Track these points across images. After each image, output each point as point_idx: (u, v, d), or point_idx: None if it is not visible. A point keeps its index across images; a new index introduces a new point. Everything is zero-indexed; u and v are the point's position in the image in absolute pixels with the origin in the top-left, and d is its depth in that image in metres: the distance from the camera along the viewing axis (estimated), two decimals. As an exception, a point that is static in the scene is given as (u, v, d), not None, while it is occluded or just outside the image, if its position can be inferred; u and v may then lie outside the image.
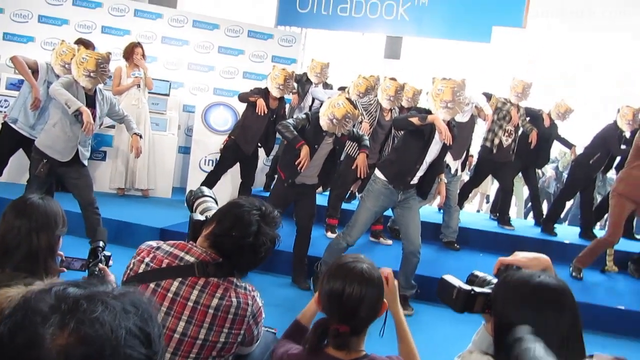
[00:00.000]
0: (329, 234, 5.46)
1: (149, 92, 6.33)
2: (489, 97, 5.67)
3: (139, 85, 6.08)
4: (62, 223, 2.06)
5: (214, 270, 1.70)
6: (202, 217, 1.95)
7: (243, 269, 1.80)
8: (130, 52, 6.09)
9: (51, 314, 0.72)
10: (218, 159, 5.78)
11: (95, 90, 4.24)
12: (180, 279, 1.68)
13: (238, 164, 5.72)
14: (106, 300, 0.75)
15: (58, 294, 0.75)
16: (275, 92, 5.39)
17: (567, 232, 6.48)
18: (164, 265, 1.70)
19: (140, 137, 4.53)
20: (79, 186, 4.24)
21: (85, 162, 4.30)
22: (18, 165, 5.55)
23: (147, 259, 1.72)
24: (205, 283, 1.69)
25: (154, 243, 1.78)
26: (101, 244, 2.28)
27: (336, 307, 1.63)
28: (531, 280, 1.38)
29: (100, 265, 2.23)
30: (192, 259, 1.71)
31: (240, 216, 1.74)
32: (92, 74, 4.12)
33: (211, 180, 5.52)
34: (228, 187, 6.10)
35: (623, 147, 5.84)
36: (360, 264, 1.68)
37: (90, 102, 4.17)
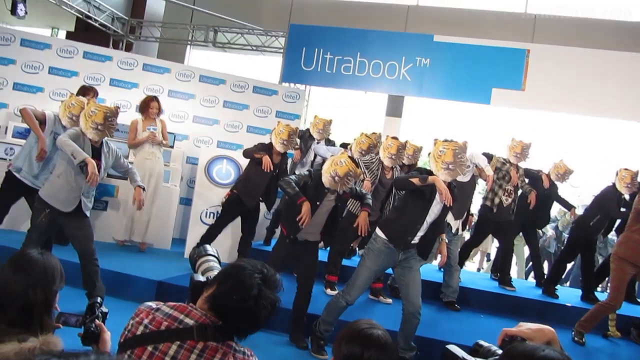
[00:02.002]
0: (329, 291, 5.41)
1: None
2: (489, 157, 5.73)
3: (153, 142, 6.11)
4: (60, 278, 2.05)
5: (213, 334, 1.68)
6: (202, 278, 1.94)
7: (242, 333, 1.78)
8: (146, 106, 6.15)
9: None
10: (220, 212, 5.79)
11: (102, 143, 4.31)
12: (178, 342, 1.65)
13: (239, 217, 5.73)
14: None
15: None
16: (279, 147, 5.47)
17: (568, 294, 6.42)
18: (162, 327, 1.68)
19: (144, 189, 4.56)
20: (80, 237, 4.25)
21: (88, 213, 4.31)
22: (18, 213, 5.55)
23: (145, 321, 1.70)
24: (204, 347, 1.66)
25: (153, 304, 1.76)
26: (99, 299, 2.26)
27: None
28: (535, 355, 1.36)
29: (97, 321, 2.20)
30: (191, 322, 1.69)
31: (241, 279, 1.73)
32: (99, 127, 4.19)
33: (212, 233, 5.52)
34: (228, 241, 6.09)
35: (623, 209, 5.86)
36: (376, 330, 1.76)
37: (96, 153, 4.23)
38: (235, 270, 1.78)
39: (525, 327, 1.58)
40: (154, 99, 6.23)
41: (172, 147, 6.83)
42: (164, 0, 12.21)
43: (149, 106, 6.12)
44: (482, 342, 1.64)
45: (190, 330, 1.67)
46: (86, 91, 5.85)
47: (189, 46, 12.06)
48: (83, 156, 4.02)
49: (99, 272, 4.30)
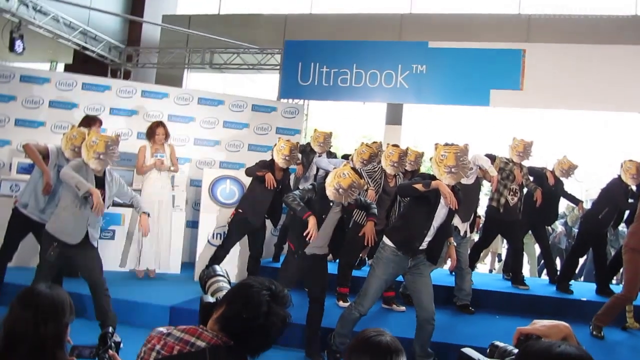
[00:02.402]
0: (341, 303, 5.39)
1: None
2: (492, 158, 5.73)
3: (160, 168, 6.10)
4: (69, 311, 2.05)
5: (226, 355, 1.68)
6: (212, 299, 1.94)
7: (255, 352, 1.77)
8: (152, 132, 6.14)
9: None
10: (226, 233, 5.80)
11: (105, 172, 4.34)
12: None
13: (246, 236, 5.73)
14: None
15: None
16: (281, 163, 5.49)
17: (583, 289, 6.35)
18: (175, 352, 1.67)
19: (149, 215, 4.58)
20: (89, 268, 4.26)
21: (95, 243, 4.33)
22: (27, 249, 5.52)
23: (157, 347, 1.69)
24: None
25: (164, 329, 1.76)
26: (110, 329, 2.26)
27: None
28: (551, 351, 1.34)
29: (110, 352, 2.20)
30: (203, 344, 1.68)
31: (250, 297, 1.73)
32: (101, 156, 4.23)
33: (220, 254, 5.53)
34: (237, 260, 6.09)
35: (630, 200, 5.83)
36: (384, 337, 1.74)
37: (100, 183, 4.26)
38: (243, 288, 1.78)
39: (540, 324, 1.57)
40: (160, 124, 6.21)
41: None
42: (159, 26, 12.33)
43: (155, 132, 6.11)
44: (497, 343, 1.63)
45: (202, 352, 1.66)
46: (90, 121, 5.77)
47: (186, 70, 12.15)
48: (87, 187, 4.04)
49: (110, 302, 4.30)
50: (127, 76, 11.07)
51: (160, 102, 7.80)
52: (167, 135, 6.20)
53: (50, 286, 2.11)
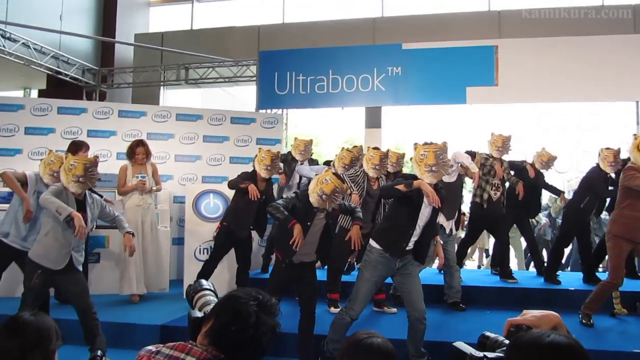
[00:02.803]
0: (332, 309, 5.38)
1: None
2: (473, 155, 5.78)
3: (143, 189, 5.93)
4: (56, 337, 2.01)
5: None
6: (199, 314, 1.92)
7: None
8: (132, 152, 5.99)
9: None
10: (213, 247, 5.77)
11: (85, 194, 4.29)
12: None
13: (233, 249, 5.70)
14: None
15: None
16: (263, 174, 5.48)
17: (570, 279, 6.43)
18: None
19: (133, 235, 4.53)
20: (75, 293, 4.20)
21: (80, 267, 4.27)
22: (11, 279, 5.45)
23: None
24: None
25: (153, 348, 1.74)
26: (99, 352, 2.23)
27: None
28: (541, 341, 1.35)
29: (101, 374, 2.17)
30: None
31: (238, 309, 1.72)
32: (81, 179, 4.18)
33: (208, 269, 5.49)
34: (226, 274, 6.05)
35: (610, 188, 5.91)
36: (375, 339, 1.74)
37: (81, 206, 4.21)
38: (230, 300, 1.77)
39: (530, 314, 1.58)
40: (140, 143, 6.05)
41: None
42: (132, 45, 12.29)
43: (135, 152, 5.97)
44: (488, 334, 1.63)
45: None
46: (78, 147, 5.67)
47: (162, 87, 12.10)
48: (68, 211, 4.00)
49: (99, 326, 4.23)
50: (102, 97, 11.01)
51: (138, 121, 7.76)
52: (148, 154, 6.05)
53: (35, 313, 2.07)
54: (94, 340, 4.15)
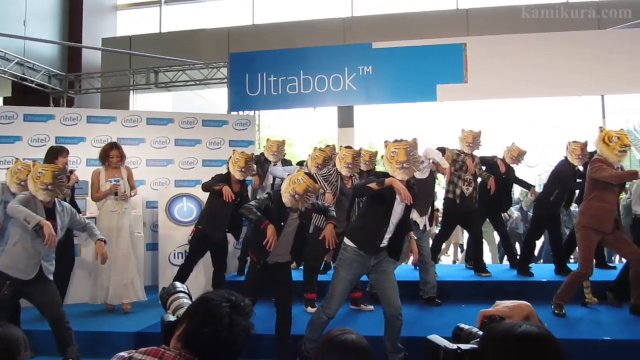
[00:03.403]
0: (309, 309, 5.38)
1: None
2: (443, 151, 5.84)
3: (116, 194, 5.72)
4: (24, 347, 1.98)
5: None
6: (172, 318, 1.90)
7: None
8: (105, 156, 5.79)
9: None
10: (188, 251, 5.71)
11: (54, 202, 4.22)
12: None
13: (208, 252, 5.66)
14: None
15: None
16: (238, 176, 5.45)
17: (543, 271, 6.54)
18: None
19: (105, 242, 4.46)
20: (47, 303, 4.12)
21: (51, 277, 4.19)
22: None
23: None
24: None
25: (125, 354, 1.71)
26: (69, 362, 2.19)
27: None
28: (513, 332, 1.36)
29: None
30: None
31: (210, 311, 1.70)
32: (49, 187, 4.11)
33: (183, 273, 5.44)
34: (202, 278, 6.01)
35: (579, 180, 6.03)
36: (349, 335, 1.74)
37: (50, 214, 4.14)
38: (202, 303, 1.75)
39: (502, 305, 1.59)
40: (113, 146, 5.86)
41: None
42: (99, 50, 12.10)
43: (108, 155, 5.77)
44: (462, 326, 1.65)
45: None
46: (57, 153, 5.54)
47: (131, 91, 11.94)
48: (37, 219, 3.93)
49: (72, 335, 4.17)
50: (70, 103, 10.80)
51: (107, 127, 7.64)
52: (122, 157, 5.86)
53: (3, 324, 2.03)
54: (67, 351, 4.08)
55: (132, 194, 5.98)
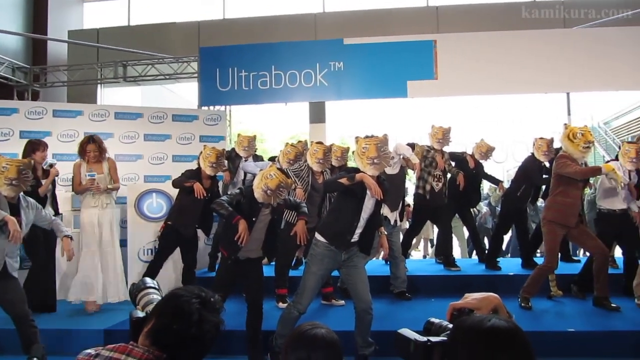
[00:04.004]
0: (280, 304, 5.38)
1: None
2: (413, 147, 5.90)
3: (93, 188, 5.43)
4: None
5: None
6: (141, 314, 1.87)
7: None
8: (82, 151, 5.52)
9: None
10: (157, 247, 5.65)
11: (19, 198, 4.11)
12: None
13: (178, 248, 5.60)
14: None
15: None
16: (209, 171, 5.40)
17: (510, 265, 6.66)
18: None
19: (71, 238, 4.37)
20: (11, 300, 4.02)
21: (15, 274, 4.09)
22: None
23: None
24: None
25: (92, 351, 1.67)
26: (34, 360, 2.13)
27: None
28: (482, 326, 1.38)
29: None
30: None
31: (179, 307, 1.67)
32: (14, 182, 4.01)
33: (153, 269, 5.37)
34: (172, 274, 5.93)
35: (545, 176, 6.16)
36: (319, 329, 1.74)
37: (15, 210, 4.03)
38: (171, 299, 1.73)
39: (471, 297, 1.60)
40: (90, 140, 5.52)
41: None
42: (65, 42, 11.83)
43: (85, 150, 5.48)
44: (433, 320, 1.66)
45: None
46: (35, 147, 5.42)
47: (99, 85, 11.72)
48: (1, 215, 3.82)
49: (37, 333, 4.07)
50: (35, 97, 10.55)
51: (74, 121, 7.48)
52: (102, 151, 5.55)
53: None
54: (33, 349, 4.00)
55: (113, 187, 5.64)
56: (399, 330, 1.60)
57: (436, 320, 1.65)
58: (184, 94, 13.81)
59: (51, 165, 5.60)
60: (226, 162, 6.27)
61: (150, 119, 7.84)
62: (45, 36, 11.55)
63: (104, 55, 11.22)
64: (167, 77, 10.35)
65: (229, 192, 5.81)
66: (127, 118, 7.77)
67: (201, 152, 5.54)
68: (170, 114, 7.97)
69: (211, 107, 9.18)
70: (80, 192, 5.51)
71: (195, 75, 9.81)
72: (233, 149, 6.75)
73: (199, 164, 5.50)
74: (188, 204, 5.41)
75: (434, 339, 1.52)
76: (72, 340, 4.71)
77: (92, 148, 5.49)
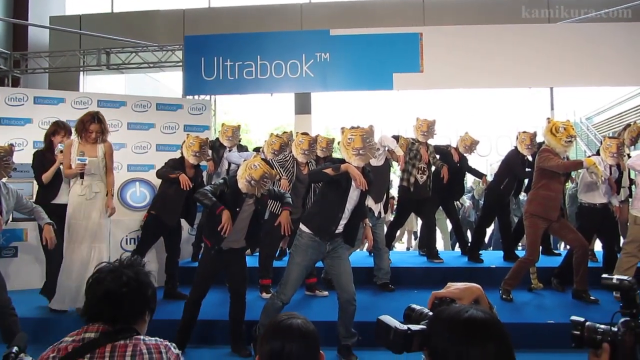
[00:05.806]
0: (264, 295, 5.38)
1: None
2: (397, 139, 5.91)
3: (82, 175, 4.73)
4: None
5: (117, 335, 1.75)
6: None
7: (139, 316, 1.84)
8: (83, 128, 4.74)
9: None
10: (140, 237, 5.60)
11: (-1, 185, 4.04)
12: (88, 355, 1.70)
13: (162, 238, 5.56)
14: None
15: None
16: (192, 160, 5.35)
17: (492, 257, 6.74)
18: (70, 350, 1.71)
19: (53, 226, 4.31)
20: (-10, 288, 3.96)
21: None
22: None
23: (52, 355, 1.72)
24: (113, 347, 1.72)
25: (56, 342, 1.78)
26: (15, 349, 2.12)
27: None
28: (460, 317, 1.39)
29: (14, 373, 2.08)
30: (92, 335, 1.74)
31: (101, 282, 1.80)
32: (-7, 169, 3.93)
33: (136, 259, 5.31)
34: (154, 264, 5.89)
35: (528, 170, 6.21)
36: (295, 320, 1.73)
37: (-6, 197, 3.96)
38: (92, 285, 1.84)
39: (454, 287, 1.61)
40: (94, 118, 4.74)
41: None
42: (47, 28, 11.63)
43: (87, 129, 4.72)
44: (414, 306, 1.67)
45: (95, 340, 1.73)
46: (56, 130, 5.11)
47: (82, 72, 11.55)
48: (-20, 202, 3.76)
49: (18, 322, 4.02)
50: (16, 83, 10.37)
51: (56, 108, 7.38)
52: (104, 132, 4.83)
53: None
54: (13, 338, 3.94)
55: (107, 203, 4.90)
56: (380, 317, 1.60)
57: (417, 307, 1.66)
58: (169, 82, 13.66)
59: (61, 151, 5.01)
60: (210, 151, 6.22)
61: (133, 108, 7.76)
62: (26, 22, 11.34)
63: (86, 42, 11.04)
64: (152, 65, 10.23)
65: (212, 182, 5.79)
66: (110, 106, 7.67)
67: (184, 141, 5.49)
68: (154, 102, 7.90)
69: (196, 97, 9.10)
70: (69, 176, 4.83)
71: (180, 64, 9.72)
72: (217, 139, 6.70)
73: (182, 153, 5.45)
74: (172, 194, 5.37)
75: (414, 327, 1.52)
76: (53, 328, 4.66)
77: (95, 128, 4.74)
